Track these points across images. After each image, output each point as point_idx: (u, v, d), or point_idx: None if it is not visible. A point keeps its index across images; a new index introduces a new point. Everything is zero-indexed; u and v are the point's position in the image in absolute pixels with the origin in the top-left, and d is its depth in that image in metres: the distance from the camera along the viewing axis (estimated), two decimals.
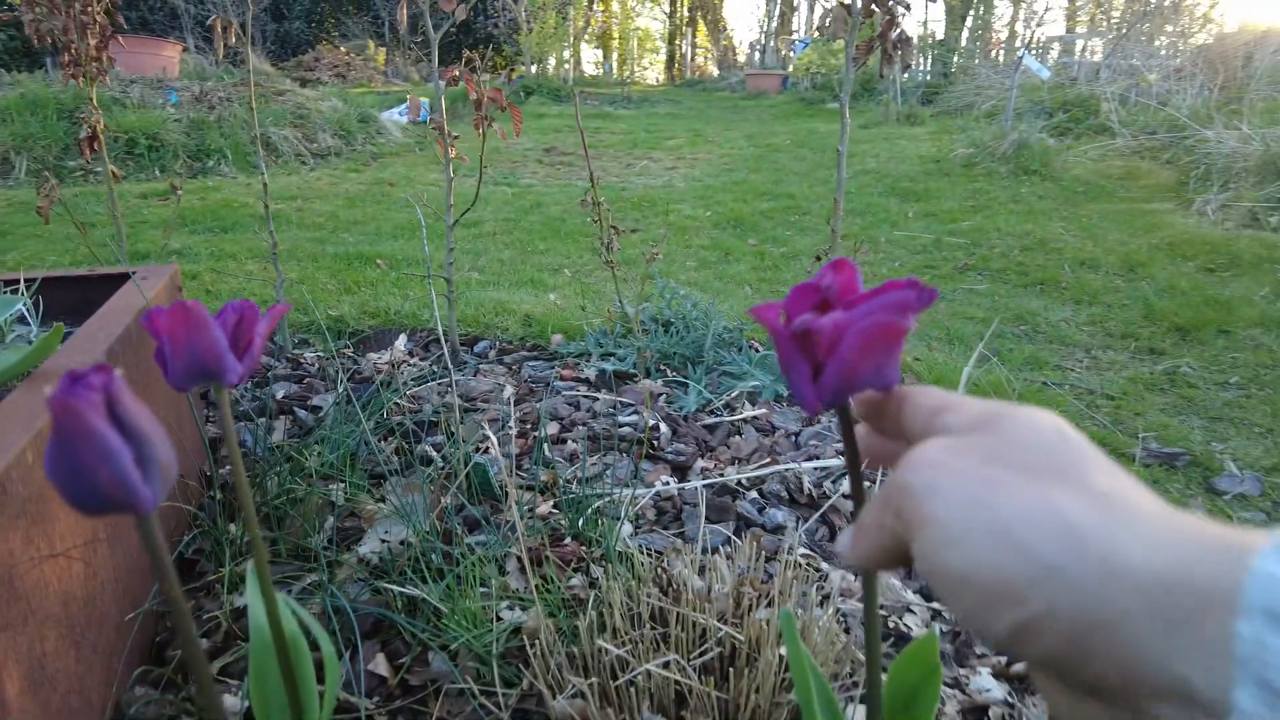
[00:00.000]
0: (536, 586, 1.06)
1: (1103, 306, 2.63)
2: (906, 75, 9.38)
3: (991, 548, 0.25)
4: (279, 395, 1.91)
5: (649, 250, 2.03)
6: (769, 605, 1.00)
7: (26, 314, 1.00)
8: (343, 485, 1.37)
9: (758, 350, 2.01)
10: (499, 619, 1.03)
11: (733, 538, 1.28)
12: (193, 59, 8.55)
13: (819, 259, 1.91)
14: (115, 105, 5.50)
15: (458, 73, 1.85)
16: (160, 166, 5.22)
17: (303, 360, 2.17)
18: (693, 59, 19.45)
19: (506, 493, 1.39)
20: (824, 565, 1.23)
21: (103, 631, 0.91)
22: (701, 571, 1.06)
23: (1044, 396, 1.88)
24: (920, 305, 0.34)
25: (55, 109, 5.20)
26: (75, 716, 0.81)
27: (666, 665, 0.84)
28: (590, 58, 18.75)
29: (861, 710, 0.91)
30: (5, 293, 1.27)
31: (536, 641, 0.91)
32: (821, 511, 1.38)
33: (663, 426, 1.68)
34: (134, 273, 1.38)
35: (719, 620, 0.96)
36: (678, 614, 0.94)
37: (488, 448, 1.49)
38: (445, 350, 1.80)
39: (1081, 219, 3.70)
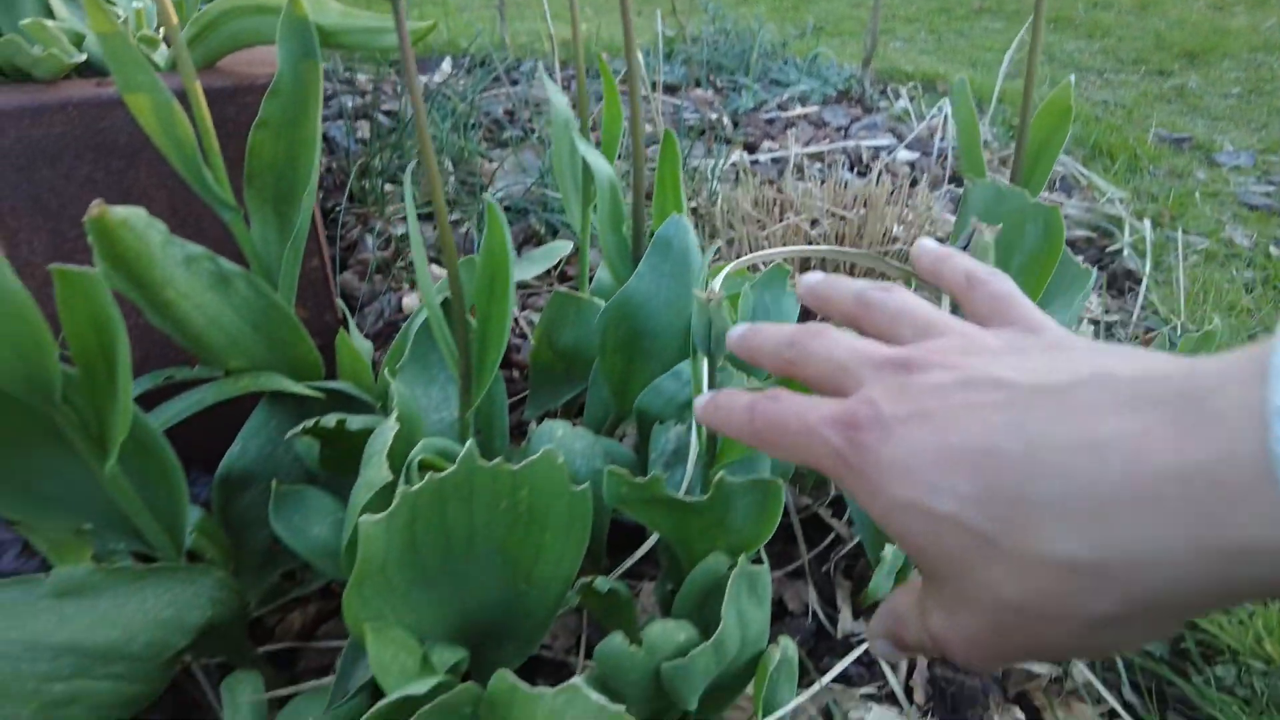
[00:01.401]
0: None
1: (1115, 39, 2.74)
2: None
3: (1056, 653, 0.24)
4: (350, 105, 2.00)
5: None
6: (865, 206, 1.20)
7: None
8: (449, 157, 1.52)
9: (801, 61, 2.12)
10: None
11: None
12: None
13: None
14: None
15: None
16: None
17: (356, 81, 2.23)
18: None
19: None
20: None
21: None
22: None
23: None
24: None
25: None
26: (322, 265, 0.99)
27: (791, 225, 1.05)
28: None
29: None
30: None
31: None
32: (878, 173, 1.57)
33: (725, 119, 1.82)
34: None
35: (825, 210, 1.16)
36: (795, 204, 1.14)
37: None
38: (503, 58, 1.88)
39: None
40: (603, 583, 0.55)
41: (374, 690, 0.56)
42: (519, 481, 0.47)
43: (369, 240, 1.24)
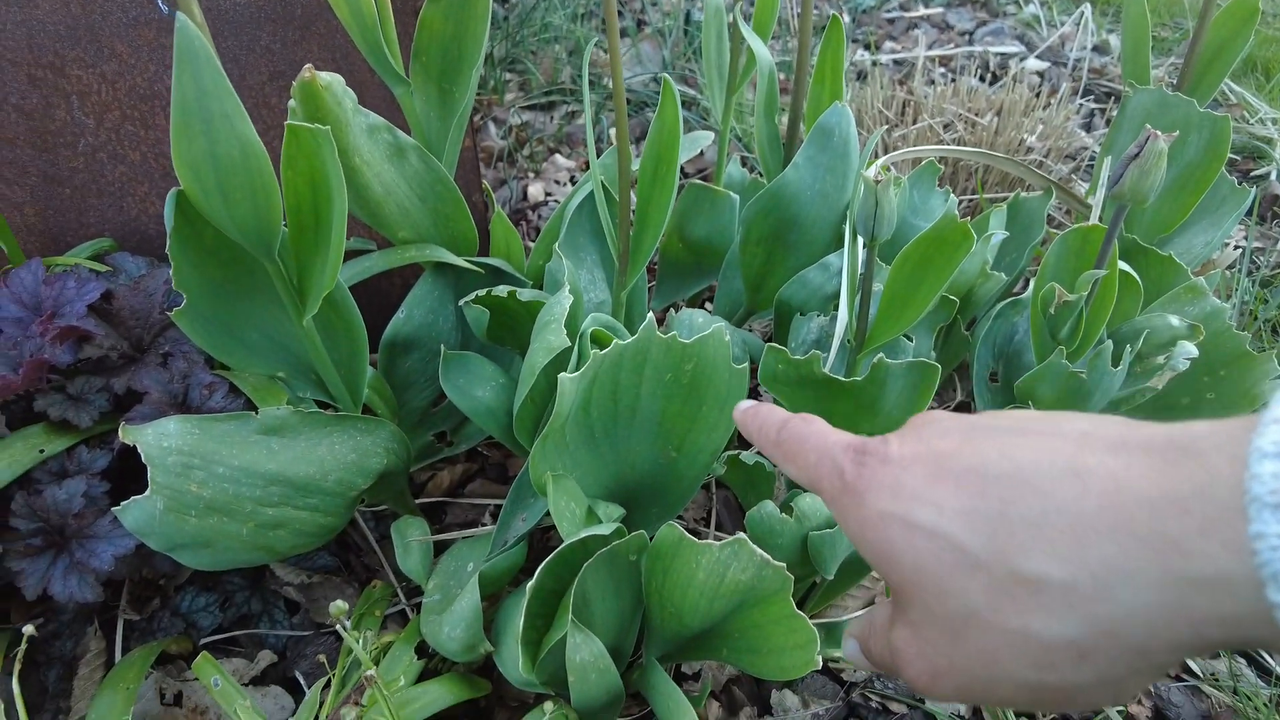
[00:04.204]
0: None
1: None
2: None
3: (1048, 698, 0.24)
4: None
5: None
6: (997, 113, 1.15)
7: None
8: (562, 47, 1.51)
9: None
10: None
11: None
12: None
13: None
14: None
15: None
16: None
17: None
18: None
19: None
20: None
21: None
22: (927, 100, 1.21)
23: None
24: None
25: None
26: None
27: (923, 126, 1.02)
28: None
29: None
30: None
31: None
32: (1012, 79, 1.50)
33: (845, 16, 1.75)
34: None
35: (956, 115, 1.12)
36: (926, 107, 1.10)
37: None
38: None
39: None
40: (748, 456, 0.58)
41: (530, 543, 0.62)
42: (688, 355, 0.50)
43: (492, 127, 1.26)
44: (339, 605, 0.46)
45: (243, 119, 0.43)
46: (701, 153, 1.17)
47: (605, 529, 0.45)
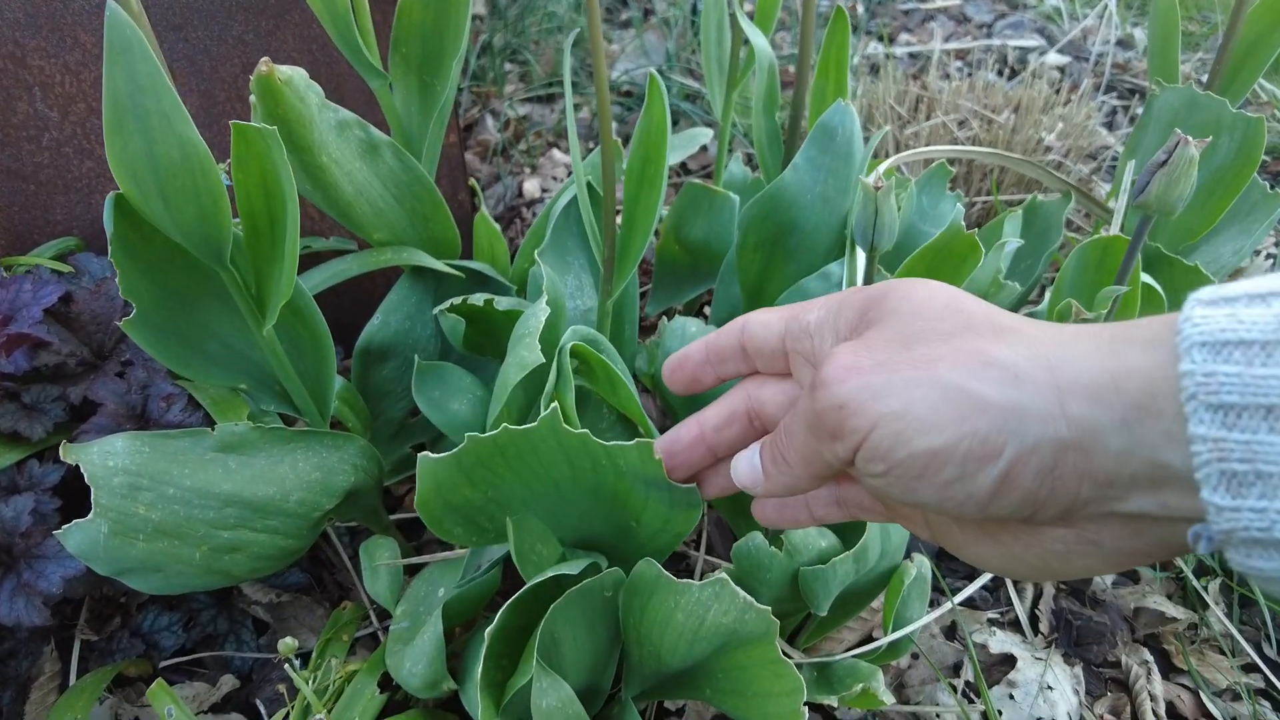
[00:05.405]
0: None
1: None
2: None
3: (955, 414, 0.25)
4: None
5: None
6: (1015, 110, 1.10)
7: None
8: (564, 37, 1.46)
9: None
10: None
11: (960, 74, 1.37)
12: None
13: None
14: None
15: None
16: None
17: None
18: None
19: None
20: None
21: None
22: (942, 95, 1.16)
23: None
24: None
25: None
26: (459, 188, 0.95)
27: (938, 123, 0.98)
28: None
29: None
30: None
31: None
32: (1030, 74, 1.45)
33: (859, 7, 1.70)
34: None
35: (971, 112, 1.08)
36: (940, 103, 1.06)
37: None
38: None
39: None
40: None
41: (505, 567, 0.58)
42: (613, 455, 0.41)
43: (489, 121, 1.22)
44: (288, 643, 0.43)
45: (182, 118, 0.39)
46: (704, 149, 1.13)
47: (573, 568, 0.42)
